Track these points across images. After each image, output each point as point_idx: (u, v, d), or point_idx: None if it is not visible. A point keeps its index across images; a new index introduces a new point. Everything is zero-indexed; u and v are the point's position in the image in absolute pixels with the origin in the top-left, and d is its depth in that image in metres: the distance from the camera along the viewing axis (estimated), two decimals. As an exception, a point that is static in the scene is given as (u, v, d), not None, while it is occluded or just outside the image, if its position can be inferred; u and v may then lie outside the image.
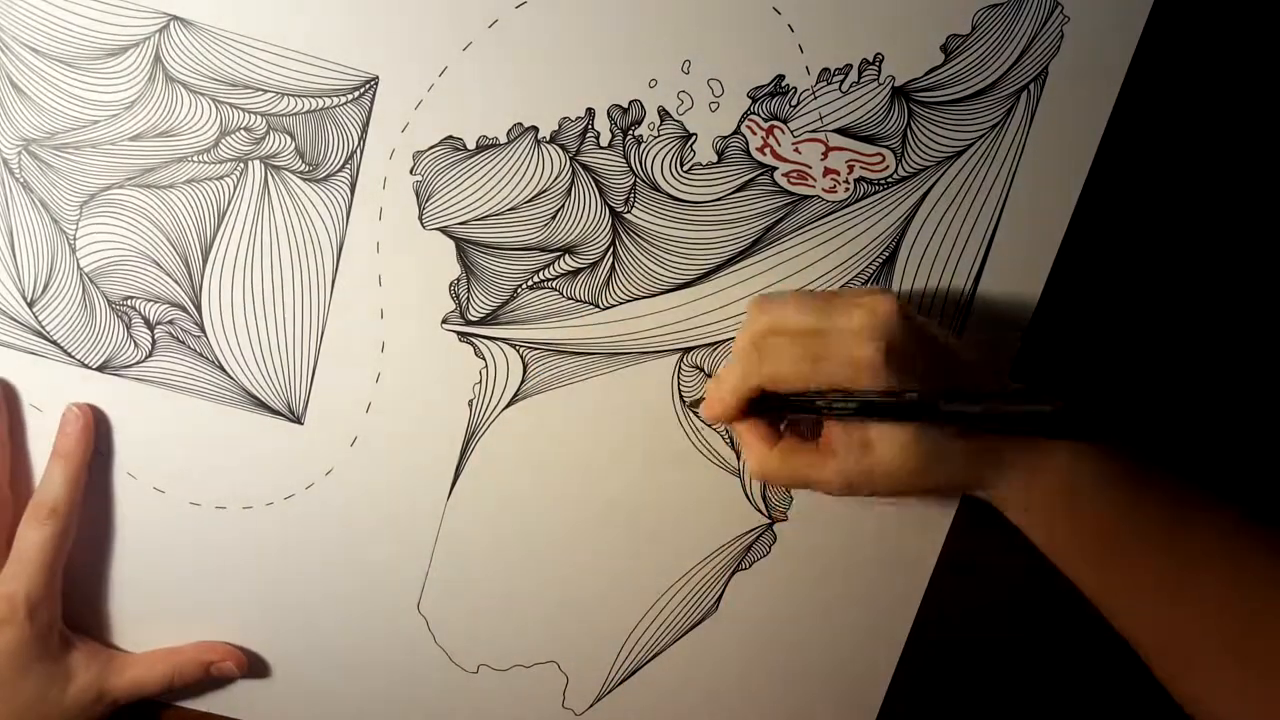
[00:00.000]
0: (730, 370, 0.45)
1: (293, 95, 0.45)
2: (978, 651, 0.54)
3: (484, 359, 0.48)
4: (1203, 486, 0.43)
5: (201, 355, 0.48)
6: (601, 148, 0.46)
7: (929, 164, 0.47)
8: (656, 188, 0.47)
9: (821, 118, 0.46)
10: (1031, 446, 0.43)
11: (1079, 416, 0.37)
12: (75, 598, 0.49)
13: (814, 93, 0.46)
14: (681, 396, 0.49)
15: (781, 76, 0.46)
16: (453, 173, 0.46)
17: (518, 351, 0.48)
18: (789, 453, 0.45)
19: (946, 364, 0.43)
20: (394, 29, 0.45)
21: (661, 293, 0.48)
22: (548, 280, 0.48)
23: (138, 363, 0.48)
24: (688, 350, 0.48)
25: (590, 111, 0.46)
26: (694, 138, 0.46)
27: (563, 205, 0.47)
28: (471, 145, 0.46)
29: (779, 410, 0.45)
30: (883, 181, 0.47)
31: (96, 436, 0.48)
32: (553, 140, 0.46)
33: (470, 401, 0.48)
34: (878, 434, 0.43)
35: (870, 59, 0.45)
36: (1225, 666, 0.41)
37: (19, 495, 0.48)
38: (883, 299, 0.42)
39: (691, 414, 0.49)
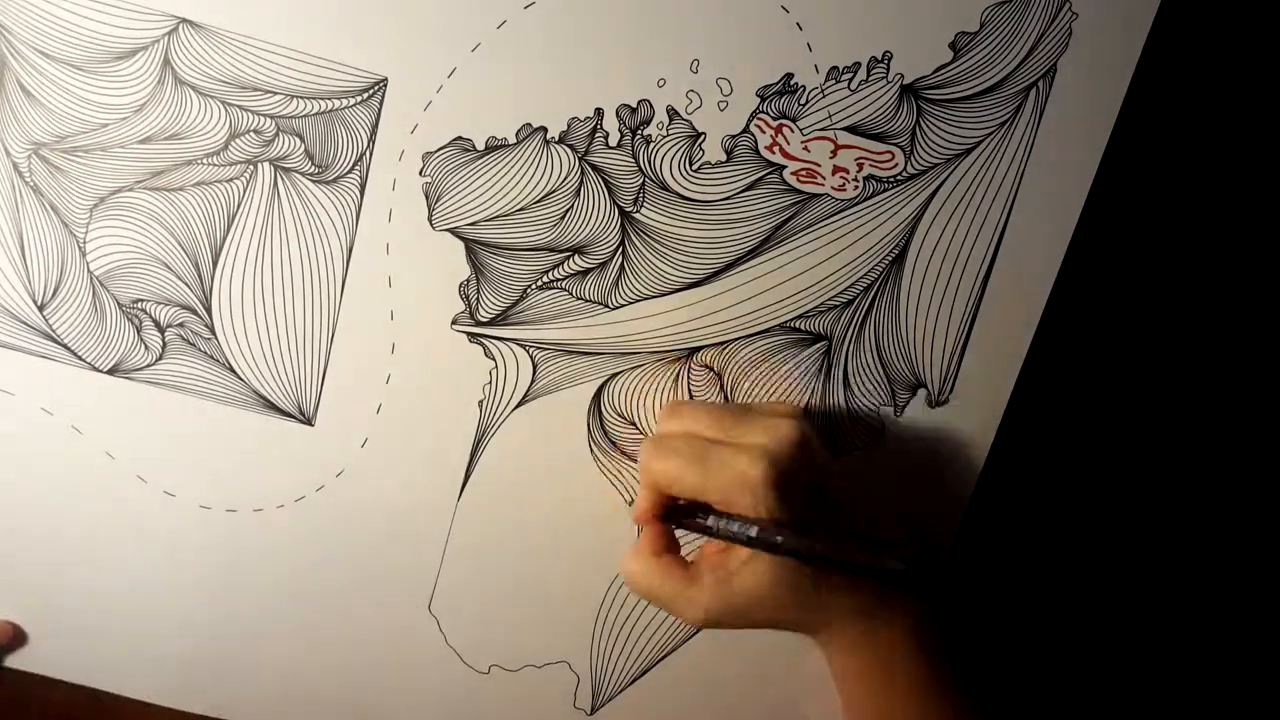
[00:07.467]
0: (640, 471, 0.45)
1: (302, 97, 0.45)
2: (978, 650, 0.54)
3: (494, 359, 0.48)
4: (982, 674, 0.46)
5: (212, 358, 0.48)
6: (610, 147, 0.46)
7: (938, 161, 0.47)
8: (665, 187, 0.47)
9: (830, 116, 0.46)
10: (876, 607, 0.44)
11: (919, 570, 0.38)
12: (84, 601, 0.49)
13: (823, 91, 0.46)
14: (691, 398, 0.49)
15: (790, 75, 0.46)
16: (462, 174, 0.46)
17: (527, 352, 0.48)
18: (662, 566, 0.44)
19: (835, 506, 0.43)
20: (402, 31, 0.45)
21: (671, 292, 0.48)
22: (557, 280, 0.48)
23: (148, 365, 0.48)
24: (697, 350, 0.48)
25: (599, 111, 0.46)
26: (703, 137, 0.46)
27: (572, 205, 0.47)
28: (480, 146, 0.46)
29: (689, 523, 0.44)
30: (892, 179, 0.47)
31: None
32: (561, 140, 0.46)
33: (480, 402, 0.48)
34: (738, 564, 0.43)
35: (879, 57, 0.45)
36: None
37: None
38: (786, 424, 0.42)
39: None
